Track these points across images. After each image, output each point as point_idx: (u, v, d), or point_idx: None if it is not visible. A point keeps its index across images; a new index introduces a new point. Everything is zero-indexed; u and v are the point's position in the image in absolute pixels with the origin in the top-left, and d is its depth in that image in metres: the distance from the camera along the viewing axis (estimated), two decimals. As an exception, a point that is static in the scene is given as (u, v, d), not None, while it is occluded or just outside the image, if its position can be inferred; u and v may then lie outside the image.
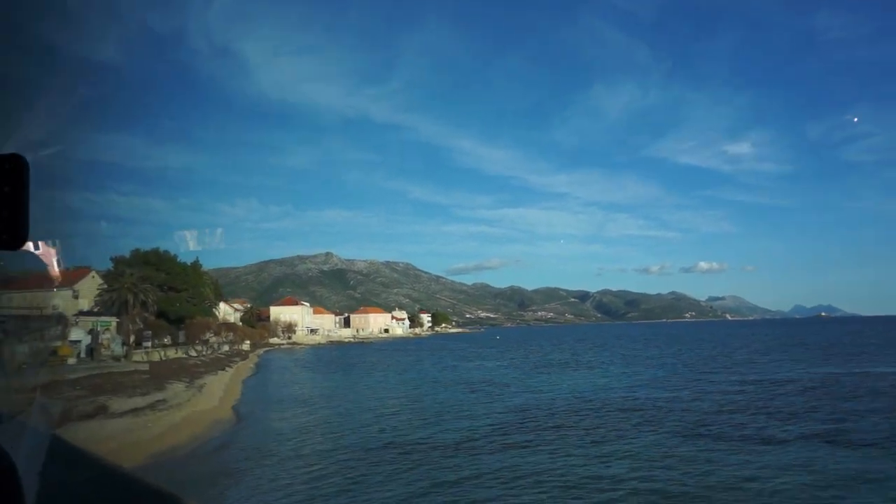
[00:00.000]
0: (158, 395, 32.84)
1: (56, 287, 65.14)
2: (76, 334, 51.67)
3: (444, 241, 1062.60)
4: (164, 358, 59.11)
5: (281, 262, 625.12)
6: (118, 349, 54.04)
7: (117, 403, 28.41)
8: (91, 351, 52.42)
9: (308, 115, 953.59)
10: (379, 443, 22.24)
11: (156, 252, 73.68)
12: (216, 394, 37.01)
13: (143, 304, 67.27)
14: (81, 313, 62.21)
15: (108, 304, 65.00)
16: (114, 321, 62.78)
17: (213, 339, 74.19)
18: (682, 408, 28.13)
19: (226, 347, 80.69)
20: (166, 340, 67.21)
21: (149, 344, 58.82)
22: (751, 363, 52.01)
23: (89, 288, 67.80)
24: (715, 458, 18.07)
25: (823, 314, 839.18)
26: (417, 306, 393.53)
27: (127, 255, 73.69)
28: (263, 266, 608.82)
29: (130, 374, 41.18)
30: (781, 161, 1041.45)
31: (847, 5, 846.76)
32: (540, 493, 15.43)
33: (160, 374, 43.49)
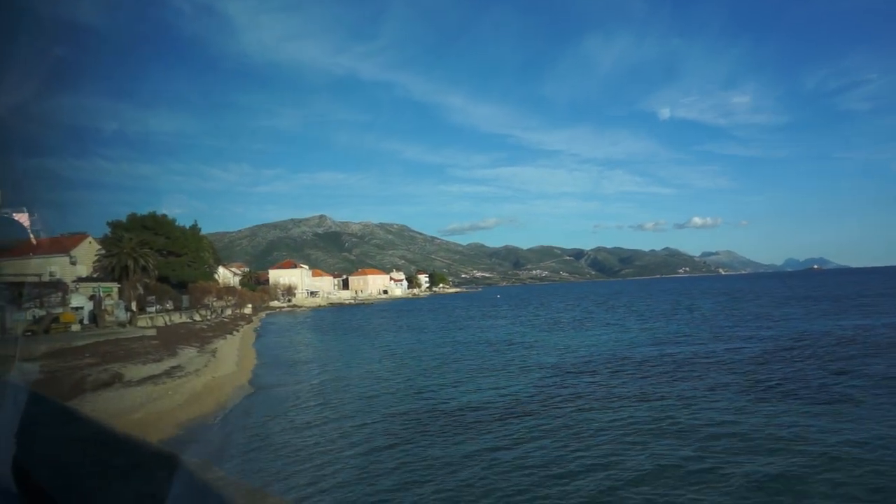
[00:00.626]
0: (173, 362, 31.29)
1: (50, 253, 63.41)
2: (77, 301, 49.89)
3: (439, 201, 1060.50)
4: (169, 323, 57.60)
5: (275, 225, 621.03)
6: (122, 315, 52.37)
7: (132, 371, 26.84)
8: (94, 317, 50.79)
9: (294, 75, 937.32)
10: (419, 407, 20.78)
11: (153, 216, 71.56)
12: (231, 358, 35.51)
13: (144, 269, 65.48)
14: (80, 279, 60.37)
15: (108, 269, 63.15)
16: (115, 287, 61.02)
17: (216, 304, 72.61)
18: (726, 361, 26.82)
19: (228, 311, 79.27)
20: (168, 305, 65.58)
21: (153, 309, 57.20)
22: (769, 317, 50.83)
23: (87, 254, 65.82)
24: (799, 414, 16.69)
25: (816, 267, 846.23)
26: (413, 267, 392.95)
27: (124, 220, 71.56)
28: (257, 230, 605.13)
29: (139, 339, 39.59)
30: (777, 112, 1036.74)
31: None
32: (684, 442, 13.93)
33: (169, 340, 41.94)
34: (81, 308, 49.05)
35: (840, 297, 75.36)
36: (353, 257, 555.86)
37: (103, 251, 62.96)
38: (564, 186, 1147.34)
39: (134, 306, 55.97)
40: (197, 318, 66.26)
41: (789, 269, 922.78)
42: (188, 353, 35.27)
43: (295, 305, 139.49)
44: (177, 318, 61.15)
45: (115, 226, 70.27)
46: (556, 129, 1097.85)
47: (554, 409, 19.17)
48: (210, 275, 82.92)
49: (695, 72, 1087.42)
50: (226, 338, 49.87)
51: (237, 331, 58.65)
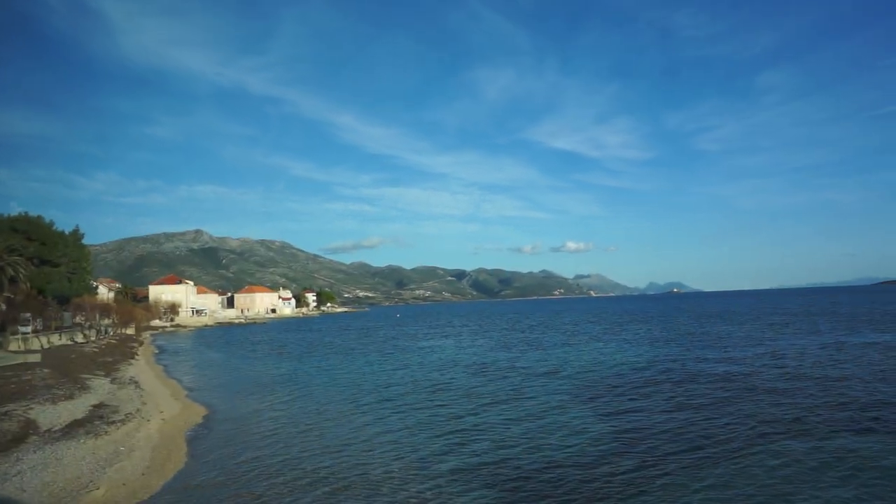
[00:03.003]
0: (90, 398, 23.78)
1: None
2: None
3: (324, 219, 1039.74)
4: (48, 345, 47.46)
5: (145, 239, 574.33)
6: (-15, 336, 42.22)
7: (44, 414, 19.46)
8: (-48, 340, 40.45)
9: (177, 83, 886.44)
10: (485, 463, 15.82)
11: (26, 217, 59.87)
12: (161, 391, 28.08)
13: (13, 280, 54.45)
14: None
15: (-36, 280, 52.03)
16: (-26, 302, 50.08)
17: (104, 322, 61.84)
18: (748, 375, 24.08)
19: (110, 332, 68.13)
20: (38, 325, 54.16)
21: (28, 329, 46.73)
22: (730, 337, 50.37)
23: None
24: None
25: (675, 290, 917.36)
26: (294, 286, 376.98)
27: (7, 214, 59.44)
28: (124, 244, 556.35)
29: (24, 368, 30.93)
30: (642, 148, 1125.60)
31: (700, 4, 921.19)
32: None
33: (65, 368, 33.35)
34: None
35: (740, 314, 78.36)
36: (230, 274, 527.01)
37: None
38: (448, 208, 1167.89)
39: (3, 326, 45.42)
40: (80, 339, 55.66)
41: (652, 293, 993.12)
42: (102, 385, 27.55)
43: (178, 325, 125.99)
44: (56, 340, 50.74)
45: (-28, 228, 58.16)
46: (443, 153, 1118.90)
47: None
48: (93, 289, 71.24)
49: (573, 107, 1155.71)
50: (131, 363, 41.33)
51: (137, 355, 49.51)
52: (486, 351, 46.55)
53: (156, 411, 21.75)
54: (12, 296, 53.51)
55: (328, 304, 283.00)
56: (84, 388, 25.99)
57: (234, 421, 21.33)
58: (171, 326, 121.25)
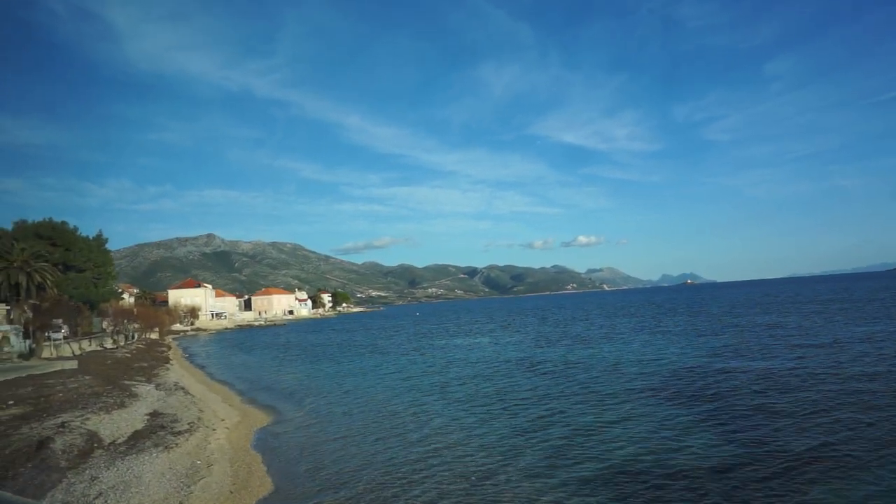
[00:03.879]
0: (141, 406, 22.43)
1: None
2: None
3: (334, 220, 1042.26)
4: (81, 351, 46.42)
5: (158, 245, 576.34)
6: (18, 344, 41.16)
7: (103, 426, 18.10)
8: (-15, 348, 39.42)
9: (183, 88, 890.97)
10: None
11: (51, 223, 58.78)
12: (208, 396, 26.67)
13: (40, 287, 53.52)
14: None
15: (-9, 287, 51.18)
16: (2, 309, 49.19)
17: (133, 328, 60.81)
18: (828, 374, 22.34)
19: (135, 336, 67.14)
20: (64, 332, 53.00)
21: (60, 335, 45.63)
22: (782, 327, 48.50)
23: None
24: None
25: (689, 281, 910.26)
26: (307, 287, 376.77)
27: (9, 228, 58.57)
28: (138, 250, 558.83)
29: (67, 375, 29.73)
30: (650, 140, 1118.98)
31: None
32: None
33: (105, 374, 32.16)
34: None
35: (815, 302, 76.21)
36: (243, 277, 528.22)
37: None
38: (458, 206, 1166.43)
39: (35, 333, 44.38)
40: (108, 344, 54.65)
41: (665, 284, 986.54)
42: (150, 392, 26.21)
43: (199, 329, 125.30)
44: (86, 346, 49.70)
45: (-3, 234, 57.22)
46: (451, 151, 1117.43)
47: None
48: (118, 294, 70.37)
49: (579, 100, 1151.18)
50: (167, 368, 40.10)
51: (170, 359, 48.35)
52: (531, 347, 44.85)
53: (216, 419, 20.34)
54: (38, 302, 52.61)
55: (343, 305, 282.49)
56: (132, 395, 24.66)
57: (300, 427, 19.88)
58: (192, 330, 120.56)
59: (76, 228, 60.96)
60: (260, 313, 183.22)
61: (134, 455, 14.57)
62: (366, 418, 20.83)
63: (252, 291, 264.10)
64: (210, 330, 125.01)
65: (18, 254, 51.91)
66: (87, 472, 12.88)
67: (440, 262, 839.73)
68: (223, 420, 20.16)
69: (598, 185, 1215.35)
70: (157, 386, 28.67)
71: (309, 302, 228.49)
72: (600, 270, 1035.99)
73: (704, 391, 21.67)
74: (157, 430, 17.74)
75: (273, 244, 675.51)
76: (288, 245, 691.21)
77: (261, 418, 21.46)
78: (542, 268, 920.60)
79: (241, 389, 30.60)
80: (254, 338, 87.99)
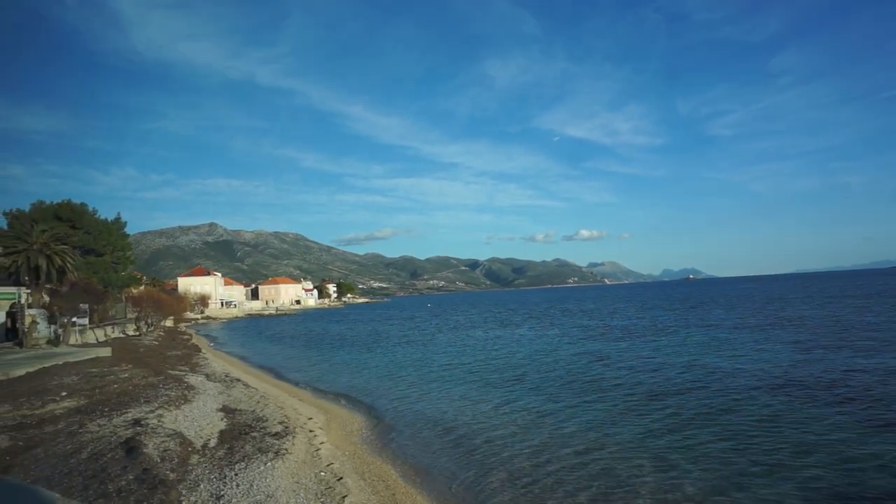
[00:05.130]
0: (208, 400, 19.90)
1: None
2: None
3: (337, 210, 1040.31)
4: (106, 338, 43.98)
5: (160, 233, 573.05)
6: (44, 330, 38.63)
7: (182, 424, 15.59)
8: (14, 335, 36.91)
9: (187, 76, 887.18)
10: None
11: (69, 204, 56.06)
12: (271, 391, 24.06)
13: (60, 271, 50.94)
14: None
15: (9, 272, 48.54)
16: (23, 293, 46.60)
17: (153, 315, 58.25)
18: None
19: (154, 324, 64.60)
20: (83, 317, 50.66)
21: (86, 321, 43.11)
22: (818, 318, 46.02)
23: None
24: None
25: (690, 276, 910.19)
26: (309, 277, 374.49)
27: (26, 209, 55.98)
28: (140, 238, 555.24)
29: (107, 363, 27.26)
30: (654, 134, 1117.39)
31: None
32: None
33: (145, 363, 29.67)
34: (-7, 323, 35.49)
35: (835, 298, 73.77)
36: (245, 267, 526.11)
37: None
38: (460, 198, 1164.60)
39: (58, 319, 41.85)
40: (131, 331, 52.17)
41: (666, 279, 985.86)
42: (203, 384, 23.69)
43: (209, 317, 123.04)
44: (111, 332, 47.24)
45: (14, 216, 54.58)
46: (454, 143, 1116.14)
47: None
48: (138, 279, 67.80)
49: (583, 94, 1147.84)
50: (205, 357, 37.57)
51: (200, 347, 45.87)
52: (583, 341, 42.34)
53: (303, 418, 17.80)
54: (57, 287, 50.15)
55: (349, 295, 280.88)
56: (189, 387, 22.13)
57: (401, 426, 17.39)
58: (203, 318, 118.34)
59: (95, 210, 58.36)
60: (267, 303, 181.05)
61: (243, 464, 12.02)
62: (468, 417, 18.30)
63: (254, 281, 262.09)
64: (220, 318, 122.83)
65: (38, 235, 49.30)
66: (202, 485, 10.36)
67: (442, 254, 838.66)
68: (311, 419, 17.61)
69: (602, 179, 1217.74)
70: (208, 377, 26.15)
71: (315, 292, 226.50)
72: (601, 264, 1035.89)
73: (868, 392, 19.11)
74: (248, 431, 15.20)
75: (275, 234, 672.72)
76: (290, 235, 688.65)
77: (347, 417, 18.93)
78: (544, 261, 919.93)
79: (296, 381, 28.13)
80: (271, 327, 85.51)
